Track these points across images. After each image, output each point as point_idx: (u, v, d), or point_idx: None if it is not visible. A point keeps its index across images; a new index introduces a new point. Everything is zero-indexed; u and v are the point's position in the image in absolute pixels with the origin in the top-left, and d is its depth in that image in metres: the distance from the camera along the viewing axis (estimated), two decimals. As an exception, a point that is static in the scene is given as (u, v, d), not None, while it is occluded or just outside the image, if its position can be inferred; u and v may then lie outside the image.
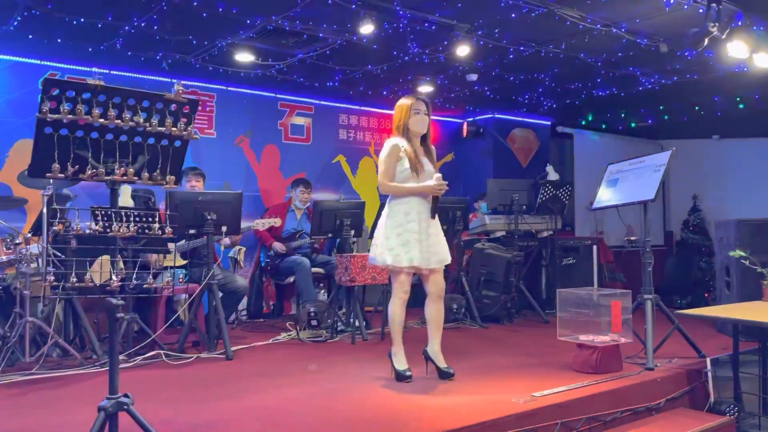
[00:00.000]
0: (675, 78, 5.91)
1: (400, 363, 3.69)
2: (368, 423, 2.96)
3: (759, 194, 8.91)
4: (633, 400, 3.73)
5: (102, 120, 2.18)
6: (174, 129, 2.29)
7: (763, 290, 4.53)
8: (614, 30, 4.39)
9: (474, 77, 5.84)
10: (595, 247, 7.31)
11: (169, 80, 6.11)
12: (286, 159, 7.01)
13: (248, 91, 6.72)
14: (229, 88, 6.56)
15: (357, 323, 5.18)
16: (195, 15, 4.09)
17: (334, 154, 7.40)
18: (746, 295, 4.98)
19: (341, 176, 7.46)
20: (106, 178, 2.22)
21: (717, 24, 3.52)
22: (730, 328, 4.30)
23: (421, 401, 3.31)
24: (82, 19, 4.19)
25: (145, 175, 2.26)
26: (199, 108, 6.38)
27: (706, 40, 3.63)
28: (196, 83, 6.31)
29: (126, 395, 2.14)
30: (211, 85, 6.44)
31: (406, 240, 3.57)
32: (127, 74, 5.80)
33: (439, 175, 3.65)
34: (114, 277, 2.22)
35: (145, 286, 3.21)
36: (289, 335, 5.26)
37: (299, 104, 7.11)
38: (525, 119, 8.44)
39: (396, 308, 3.68)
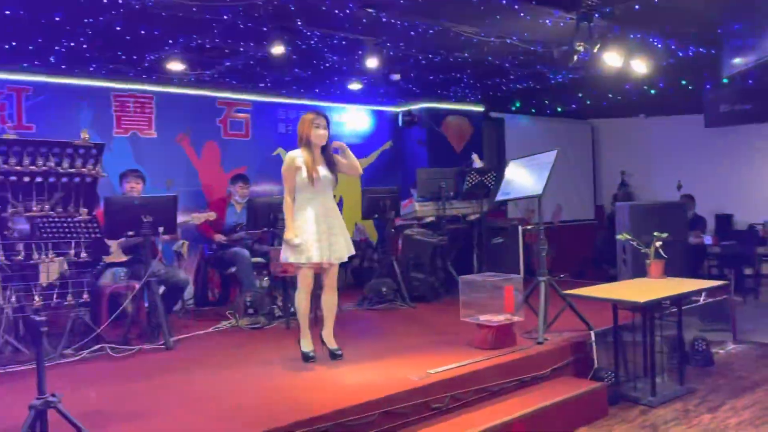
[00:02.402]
0: (581, 73, 6.40)
1: (306, 346, 4.26)
2: (276, 405, 3.44)
3: (681, 167, 9.59)
4: (521, 372, 4.27)
5: (18, 167, 2.56)
6: (83, 169, 2.69)
7: (647, 268, 5.15)
8: (508, 41, 4.85)
9: (397, 77, 6.25)
10: (520, 228, 7.92)
11: (107, 85, 6.41)
12: (226, 154, 7.36)
13: (186, 91, 7.01)
14: (167, 90, 6.85)
15: (292, 309, 5.64)
16: (120, 38, 4.43)
17: (273, 147, 7.76)
18: (639, 271, 5.57)
19: (282, 168, 7.82)
20: (26, 214, 2.60)
21: (583, 42, 4.00)
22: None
23: (327, 381, 3.82)
24: (14, 43, 4.49)
25: (60, 209, 2.65)
26: (139, 110, 6.74)
27: (575, 57, 4.11)
28: (133, 86, 6.59)
29: (53, 395, 2.59)
30: (149, 87, 6.72)
31: (305, 240, 4.07)
32: (65, 81, 6.07)
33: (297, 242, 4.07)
34: (36, 298, 2.61)
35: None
36: (229, 323, 5.70)
37: (237, 102, 7.43)
38: (458, 107, 8.89)
39: (300, 299, 4.21)
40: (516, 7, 3.89)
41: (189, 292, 6.35)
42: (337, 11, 3.92)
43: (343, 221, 4.29)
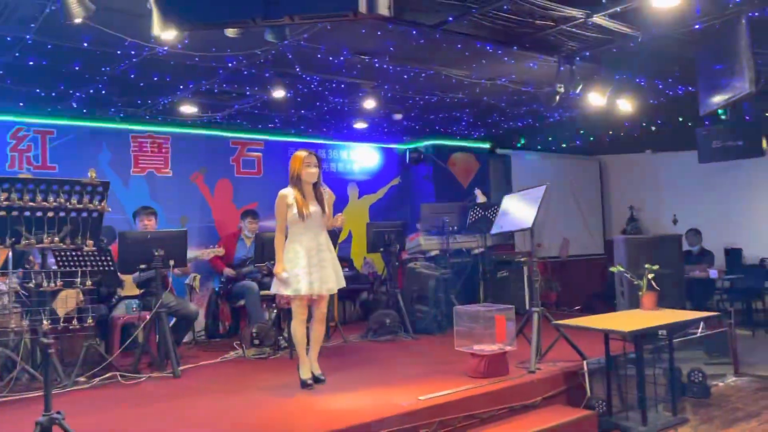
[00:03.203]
0: (577, 111, 6.62)
1: (304, 373, 4.45)
2: (270, 427, 3.63)
3: (689, 202, 9.66)
4: (512, 399, 4.38)
5: (31, 203, 2.89)
6: (90, 205, 2.99)
7: (640, 300, 5.26)
8: (498, 82, 5.11)
9: (399, 117, 6.55)
10: (523, 260, 8.04)
11: (126, 127, 6.80)
12: (238, 191, 7.66)
13: (200, 132, 7.36)
14: (182, 131, 7.21)
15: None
16: (134, 84, 4.79)
17: (285, 183, 7.95)
18: (636, 303, 5.67)
19: (293, 204, 8.10)
20: (37, 245, 2.90)
21: (563, 84, 4.24)
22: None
23: (321, 406, 3.99)
24: (38, 90, 4.89)
25: (68, 241, 2.94)
26: (156, 150, 7.11)
27: (557, 98, 4.34)
28: (150, 128, 6.97)
29: (58, 412, 2.81)
30: (166, 129, 7.08)
31: (295, 273, 4.29)
32: (86, 124, 6.46)
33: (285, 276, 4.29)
34: (45, 321, 2.89)
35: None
36: (236, 354, 5.91)
37: (250, 141, 7.77)
38: (464, 144, 9.13)
39: (295, 328, 4.43)
40: (500, 52, 4.16)
41: (200, 323, 6.58)
42: (331, 58, 4.22)
43: (335, 255, 4.51)
